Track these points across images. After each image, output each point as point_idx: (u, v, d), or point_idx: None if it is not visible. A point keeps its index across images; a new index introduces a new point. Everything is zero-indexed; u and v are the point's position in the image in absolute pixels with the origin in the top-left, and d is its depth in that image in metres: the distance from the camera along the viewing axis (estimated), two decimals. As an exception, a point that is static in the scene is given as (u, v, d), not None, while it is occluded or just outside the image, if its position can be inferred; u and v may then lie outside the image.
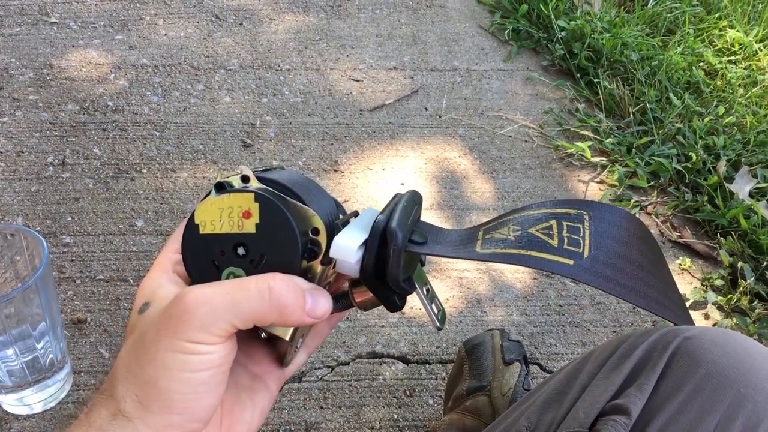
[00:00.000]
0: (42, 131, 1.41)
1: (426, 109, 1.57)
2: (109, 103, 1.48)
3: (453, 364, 1.04)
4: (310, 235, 0.42)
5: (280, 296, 0.39)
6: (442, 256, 0.44)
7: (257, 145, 1.43)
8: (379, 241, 0.41)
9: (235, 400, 0.44)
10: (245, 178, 0.41)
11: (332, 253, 0.41)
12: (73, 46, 1.61)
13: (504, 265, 1.26)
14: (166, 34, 1.68)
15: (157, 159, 1.38)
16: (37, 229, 1.23)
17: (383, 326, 1.16)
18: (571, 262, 0.41)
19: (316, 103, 1.55)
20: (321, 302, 0.40)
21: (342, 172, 1.40)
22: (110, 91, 1.51)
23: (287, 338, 0.43)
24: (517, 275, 1.26)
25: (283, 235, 0.41)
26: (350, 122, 1.51)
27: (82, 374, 1.05)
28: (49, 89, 1.49)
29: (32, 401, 0.98)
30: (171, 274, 0.44)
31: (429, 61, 1.70)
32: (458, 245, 0.45)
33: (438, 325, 0.47)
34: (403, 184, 1.39)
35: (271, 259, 0.41)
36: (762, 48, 1.78)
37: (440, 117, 1.56)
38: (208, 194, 0.42)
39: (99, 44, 1.62)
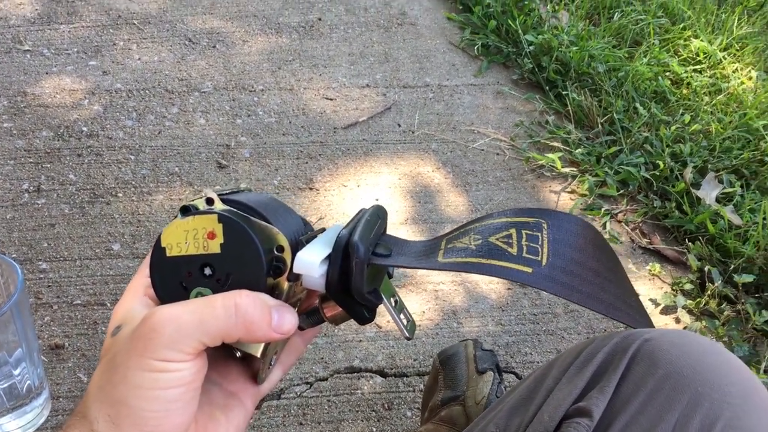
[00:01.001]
0: (17, 158, 1.41)
1: (399, 126, 1.60)
2: (84, 129, 1.49)
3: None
4: (275, 252, 0.43)
5: (246, 312, 0.40)
6: (405, 267, 0.45)
7: (232, 165, 1.44)
8: (342, 254, 0.42)
9: (209, 418, 0.45)
10: (210, 201, 0.43)
11: (296, 269, 0.42)
12: (46, 73, 1.62)
13: (479, 277, 1.28)
14: (139, 59, 1.69)
15: (133, 182, 1.39)
16: (13, 255, 1.24)
17: (361, 341, 1.17)
18: (530, 270, 0.42)
19: (290, 122, 1.57)
20: (287, 318, 0.41)
21: (317, 189, 1.41)
22: (84, 116, 1.52)
23: (258, 355, 0.44)
24: (491, 286, 1.27)
25: (248, 254, 0.42)
26: (324, 140, 1.53)
27: (61, 399, 1.05)
28: (23, 116, 1.50)
29: (10, 428, 0.98)
30: (143, 298, 0.45)
31: (401, 78, 1.73)
32: (421, 256, 0.46)
33: (407, 335, 0.48)
34: (377, 200, 1.41)
35: (237, 278, 0.42)
36: (726, 56, 1.83)
37: (413, 133, 1.58)
38: (175, 218, 0.43)
39: (72, 70, 1.64)
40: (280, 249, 0.43)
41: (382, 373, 1.13)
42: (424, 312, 1.22)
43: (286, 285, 0.43)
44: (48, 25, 1.76)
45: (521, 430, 0.63)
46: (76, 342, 1.13)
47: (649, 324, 0.55)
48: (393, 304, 0.47)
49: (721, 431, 0.56)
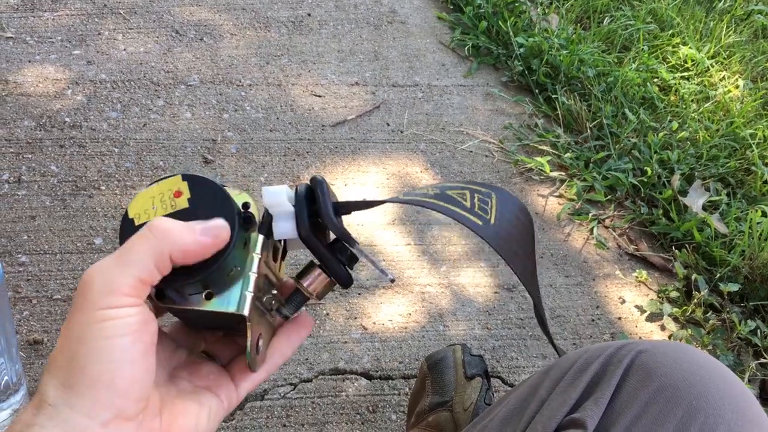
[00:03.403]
0: (-3, 148, 1.38)
1: (388, 125, 1.58)
2: (67, 119, 1.46)
3: (415, 379, 1.04)
4: (242, 209, 0.43)
5: (164, 227, 0.39)
6: (368, 207, 0.47)
7: (218, 161, 1.42)
8: (306, 194, 0.44)
9: (176, 395, 0.43)
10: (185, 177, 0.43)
11: (265, 199, 0.43)
12: (29, 62, 1.59)
13: (466, 280, 1.28)
14: (125, 50, 1.66)
15: (116, 176, 1.36)
16: (-8, 248, 1.21)
17: (346, 342, 1.16)
18: (480, 223, 0.48)
19: (277, 118, 1.55)
20: (214, 223, 0.40)
21: (304, 187, 1.40)
22: (68, 106, 1.49)
23: (246, 313, 0.43)
24: (478, 290, 1.27)
25: (218, 201, 0.41)
26: (312, 138, 1.52)
27: (39, 396, 1.03)
28: (4, 105, 1.47)
29: (-14, 425, 0.96)
30: None
31: (390, 76, 1.71)
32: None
33: (390, 276, 0.49)
34: (365, 199, 1.39)
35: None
36: (713, 64, 1.83)
37: (402, 132, 1.57)
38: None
39: (56, 59, 1.60)
40: (246, 206, 0.43)
41: (367, 376, 1.12)
42: (410, 314, 1.21)
43: (259, 240, 0.43)
44: (32, 12, 1.73)
45: (514, 441, 0.62)
46: (56, 337, 1.10)
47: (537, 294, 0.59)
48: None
49: (716, 446, 0.56)
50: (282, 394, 1.08)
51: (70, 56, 1.62)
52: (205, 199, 0.41)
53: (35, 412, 0.36)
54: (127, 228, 0.41)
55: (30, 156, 1.38)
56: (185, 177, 0.41)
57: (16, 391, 0.97)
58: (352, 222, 1.34)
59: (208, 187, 0.41)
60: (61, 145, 1.41)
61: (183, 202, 0.41)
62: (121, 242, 0.41)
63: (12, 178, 1.33)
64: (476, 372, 0.93)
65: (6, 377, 0.93)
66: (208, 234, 0.40)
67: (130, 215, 0.41)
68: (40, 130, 1.43)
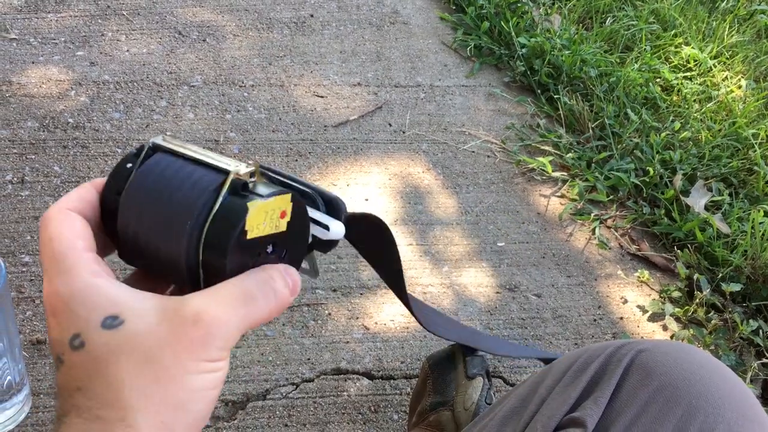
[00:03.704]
0: (0, 149, 1.39)
1: (390, 125, 1.59)
2: (70, 120, 1.47)
3: (417, 379, 1.05)
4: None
5: (283, 294, 0.40)
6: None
7: (221, 161, 1.43)
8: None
9: None
10: (252, 174, 0.42)
11: (332, 234, 0.46)
12: (33, 63, 1.59)
13: (467, 280, 1.28)
14: (128, 51, 1.67)
15: (119, 176, 1.37)
16: (-5, 248, 1.21)
17: (348, 342, 1.16)
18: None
19: (280, 119, 1.55)
20: (296, 279, 0.42)
21: (306, 188, 1.40)
22: (71, 107, 1.50)
23: None
24: (480, 289, 1.27)
25: (303, 230, 0.44)
26: (314, 138, 1.52)
27: (42, 396, 1.03)
28: (8, 106, 1.47)
29: (-11, 425, 0.96)
30: (103, 271, 0.39)
31: (393, 77, 1.72)
32: None
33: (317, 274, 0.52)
34: (367, 200, 1.40)
35: (291, 253, 0.43)
36: (716, 64, 1.83)
37: (404, 133, 1.57)
38: (223, 182, 0.40)
39: (59, 60, 1.61)
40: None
41: (369, 376, 1.12)
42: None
43: None
44: (35, 14, 1.73)
45: (514, 440, 0.62)
46: (58, 338, 1.11)
47: None
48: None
49: (715, 445, 0.56)
50: (284, 394, 1.08)
51: (74, 57, 1.62)
52: (297, 228, 0.43)
53: None
54: (239, 235, 0.39)
55: (33, 157, 1.38)
56: (293, 198, 0.41)
57: (19, 390, 0.97)
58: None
59: (303, 216, 0.43)
60: (64, 145, 1.41)
61: (283, 225, 0.42)
62: (228, 251, 0.39)
63: (15, 179, 1.34)
64: (477, 371, 0.93)
65: (9, 377, 0.94)
66: (295, 294, 0.42)
67: (246, 226, 0.40)
68: (44, 131, 1.44)
